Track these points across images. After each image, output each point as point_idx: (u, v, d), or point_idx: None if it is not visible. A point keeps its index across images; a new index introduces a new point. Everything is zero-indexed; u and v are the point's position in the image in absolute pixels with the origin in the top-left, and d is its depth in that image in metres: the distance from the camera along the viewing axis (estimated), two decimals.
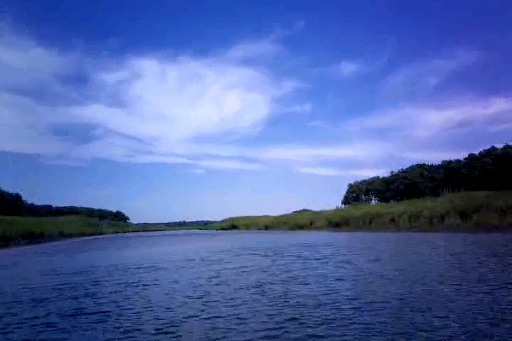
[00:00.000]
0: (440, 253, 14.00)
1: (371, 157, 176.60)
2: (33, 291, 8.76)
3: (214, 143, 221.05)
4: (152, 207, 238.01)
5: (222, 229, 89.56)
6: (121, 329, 5.38)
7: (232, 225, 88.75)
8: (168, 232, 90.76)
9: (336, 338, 4.72)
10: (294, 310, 6.13)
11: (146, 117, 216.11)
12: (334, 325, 5.28)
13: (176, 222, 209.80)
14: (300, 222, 59.34)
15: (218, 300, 7.08)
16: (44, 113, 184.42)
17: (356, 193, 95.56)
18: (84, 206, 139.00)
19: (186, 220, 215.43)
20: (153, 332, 5.25)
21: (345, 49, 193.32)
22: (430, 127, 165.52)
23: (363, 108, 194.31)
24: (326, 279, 8.90)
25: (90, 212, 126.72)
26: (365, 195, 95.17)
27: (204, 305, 6.77)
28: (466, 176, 70.20)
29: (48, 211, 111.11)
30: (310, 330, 5.07)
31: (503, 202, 31.98)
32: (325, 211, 62.54)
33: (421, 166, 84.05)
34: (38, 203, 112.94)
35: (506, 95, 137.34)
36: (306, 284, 8.39)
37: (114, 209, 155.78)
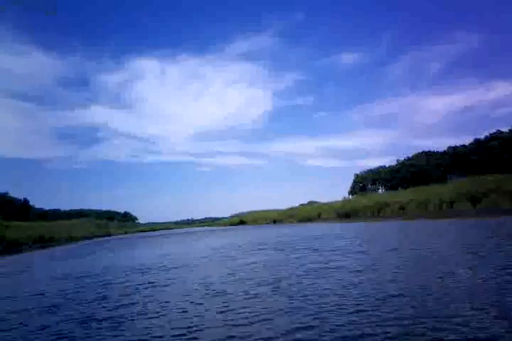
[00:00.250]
0: (454, 240, 13.77)
1: (376, 146, 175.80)
2: (45, 297, 8.67)
3: (218, 140, 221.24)
4: (160, 206, 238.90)
5: (231, 224, 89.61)
6: (135, 338, 5.12)
7: (240, 221, 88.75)
8: (176, 231, 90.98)
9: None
10: (317, 307, 5.84)
11: (149, 117, 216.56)
12: (369, 321, 5.02)
13: (184, 220, 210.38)
14: (308, 214, 59.21)
15: (238, 300, 6.72)
16: (48, 117, 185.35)
17: (363, 183, 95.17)
18: (92, 208, 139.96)
19: (194, 218, 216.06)
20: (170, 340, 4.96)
21: (344, 39, 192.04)
22: (434, 113, 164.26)
23: (365, 97, 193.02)
24: (346, 272, 8.63)
25: (99, 214, 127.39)
26: (371, 185, 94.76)
27: (223, 306, 6.39)
28: (473, 161, 69.52)
29: (57, 215, 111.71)
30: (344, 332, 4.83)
31: None
32: (332, 202, 62.29)
33: (427, 153, 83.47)
34: (47, 207, 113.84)
35: (509, 78, 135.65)
36: (326, 278, 8.09)
37: (122, 210, 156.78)
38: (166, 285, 8.88)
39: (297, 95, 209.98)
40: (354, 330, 4.65)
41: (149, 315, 6.20)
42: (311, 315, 5.44)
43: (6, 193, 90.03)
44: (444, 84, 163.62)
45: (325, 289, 7.01)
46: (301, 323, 5.09)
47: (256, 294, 7.07)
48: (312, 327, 4.92)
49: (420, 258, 9.94)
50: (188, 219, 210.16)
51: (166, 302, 7.07)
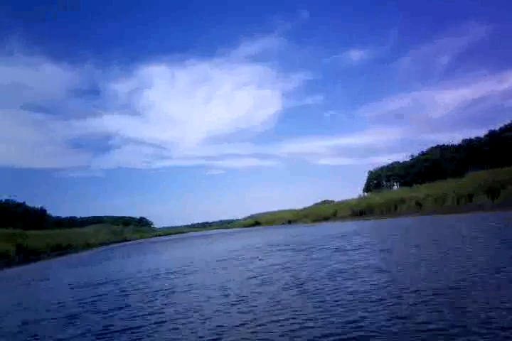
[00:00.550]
0: (477, 234, 13.32)
1: (388, 142, 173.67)
2: (61, 307, 8.53)
3: (229, 143, 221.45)
4: (174, 210, 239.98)
5: (246, 226, 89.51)
6: None
7: (255, 222, 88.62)
8: (191, 234, 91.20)
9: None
10: (350, 312, 5.46)
11: (159, 123, 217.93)
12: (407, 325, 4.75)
13: (198, 224, 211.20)
14: (323, 213, 58.73)
15: (264, 306, 6.35)
16: (60, 127, 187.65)
17: (377, 180, 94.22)
18: (107, 215, 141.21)
19: (209, 221, 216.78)
20: None
21: (351, 37, 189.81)
22: (445, 107, 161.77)
23: (375, 94, 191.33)
24: (375, 272, 8.26)
25: (114, 220, 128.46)
26: (386, 181, 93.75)
27: (248, 313, 6.06)
28: (489, 153, 68.21)
29: (73, 222, 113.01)
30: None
31: None
32: (347, 200, 61.73)
33: (440, 147, 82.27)
34: (63, 215, 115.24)
35: None
36: (354, 279, 7.71)
37: (137, 216, 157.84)
38: (185, 291, 8.64)
39: (306, 95, 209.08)
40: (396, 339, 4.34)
41: (170, 325, 5.90)
42: (346, 322, 5.04)
43: (23, 203, 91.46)
44: (454, 77, 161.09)
45: (355, 291, 6.63)
46: (336, 331, 4.74)
47: (282, 299, 6.73)
48: (349, 335, 4.59)
49: (448, 254, 9.54)
50: (203, 223, 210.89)
51: (187, 310, 6.78)
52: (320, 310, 5.74)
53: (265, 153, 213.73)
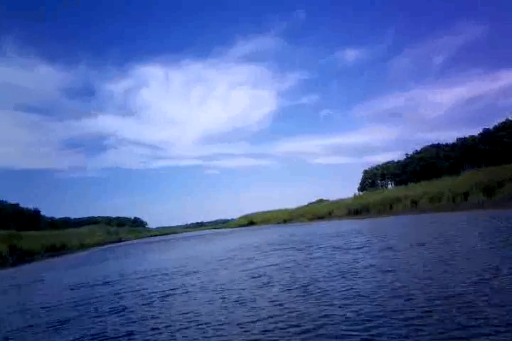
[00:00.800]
0: (480, 232, 13.16)
1: (384, 141, 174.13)
2: (55, 310, 8.26)
3: (225, 143, 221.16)
4: (169, 210, 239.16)
5: (240, 226, 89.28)
6: None
7: (250, 222, 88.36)
8: (187, 234, 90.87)
9: None
10: (357, 316, 5.22)
11: (155, 123, 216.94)
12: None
13: (193, 224, 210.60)
14: (319, 212, 58.69)
15: (268, 308, 6.08)
16: (55, 128, 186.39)
17: (372, 179, 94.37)
18: (102, 215, 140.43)
19: (204, 220, 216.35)
20: None
21: (347, 36, 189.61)
22: (440, 106, 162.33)
23: (370, 93, 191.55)
24: (379, 271, 8.00)
25: (109, 221, 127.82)
26: (381, 180, 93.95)
27: (251, 315, 5.78)
28: (483, 151, 68.52)
29: (68, 223, 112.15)
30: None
31: None
32: (342, 200, 61.72)
33: (435, 146, 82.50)
34: (57, 216, 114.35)
35: None
36: (359, 279, 7.46)
37: (131, 216, 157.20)
38: (183, 294, 8.38)
39: (302, 94, 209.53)
40: None
41: (167, 331, 5.61)
42: (356, 327, 4.76)
43: (17, 204, 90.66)
44: (449, 76, 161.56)
45: (361, 293, 6.37)
46: (343, 335, 4.53)
47: (286, 301, 6.48)
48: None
49: (451, 253, 9.28)
50: (198, 223, 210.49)
51: (184, 314, 6.47)
52: (327, 314, 5.47)
53: (261, 153, 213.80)
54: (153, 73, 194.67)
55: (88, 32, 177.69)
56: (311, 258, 11.48)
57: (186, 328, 5.63)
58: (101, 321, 6.69)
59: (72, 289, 11.34)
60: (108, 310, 7.50)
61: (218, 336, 5.08)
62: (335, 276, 8.06)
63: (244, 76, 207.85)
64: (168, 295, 8.29)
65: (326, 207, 60.18)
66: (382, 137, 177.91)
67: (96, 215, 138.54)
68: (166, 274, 11.96)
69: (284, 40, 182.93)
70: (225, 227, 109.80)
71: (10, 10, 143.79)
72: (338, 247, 13.58)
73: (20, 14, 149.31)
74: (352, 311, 5.42)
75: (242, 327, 5.34)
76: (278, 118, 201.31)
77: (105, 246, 55.35)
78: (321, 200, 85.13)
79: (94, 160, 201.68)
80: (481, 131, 73.90)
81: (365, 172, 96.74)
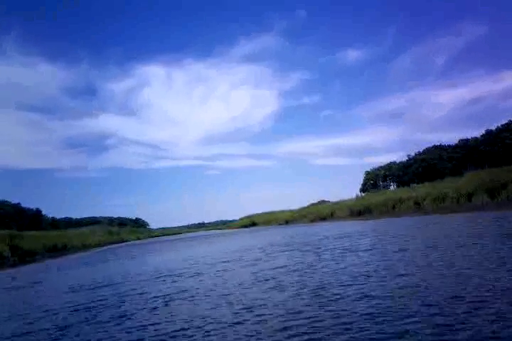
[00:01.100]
0: (488, 234, 12.92)
1: (385, 142, 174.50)
2: (55, 315, 7.93)
3: (226, 143, 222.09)
4: (170, 210, 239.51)
5: (242, 227, 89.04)
6: None
7: (251, 222, 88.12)
8: (188, 235, 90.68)
9: None
10: (380, 326, 4.80)
11: (157, 123, 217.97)
12: None
13: (195, 224, 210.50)
14: (320, 213, 58.40)
15: (281, 316, 5.65)
16: (56, 127, 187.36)
17: (374, 180, 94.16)
18: (103, 215, 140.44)
19: (205, 221, 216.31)
20: None
21: (348, 36, 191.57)
22: (442, 107, 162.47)
23: (372, 94, 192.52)
24: (395, 275, 7.55)
25: (110, 221, 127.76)
26: (383, 181, 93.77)
27: (261, 324, 5.41)
28: (486, 153, 68.28)
29: (69, 223, 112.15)
30: None
31: None
32: (344, 200, 61.37)
33: (438, 147, 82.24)
34: (59, 216, 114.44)
35: None
36: (374, 283, 7.05)
37: (133, 216, 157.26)
38: (188, 298, 8.04)
39: (303, 94, 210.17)
40: None
41: (175, 339, 5.34)
42: (377, 336, 4.44)
43: (18, 204, 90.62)
44: (451, 77, 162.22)
45: (378, 299, 5.90)
46: None
47: (298, 307, 6.05)
48: None
49: (466, 256, 8.89)
50: (199, 223, 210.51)
51: (191, 320, 6.16)
52: (345, 321, 5.10)
53: (262, 153, 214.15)
54: (154, 73, 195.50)
55: (90, 31, 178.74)
56: (319, 261, 11.16)
57: (191, 336, 5.37)
58: (102, 328, 6.40)
59: (73, 291, 11.13)
60: (109, 315, 7.23)
61: None
62: (348, 280, 7.67)
63: (245, 76, 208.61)
64: (171, 300, 8.01)
65: (327, 208, 59.88)
66: (384, 138, 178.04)
67: (97, 215, 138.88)
68: (170, 276, 11.71)
69: (285, 39, 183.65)
70: (226, 228, 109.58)
71: (11, 9, 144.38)
72: (345, 249, 13.28)
73: (21, 13, 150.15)
74: (369, 319, 5.11)
75: (251, 335, 5.08)
76: (279, 118, 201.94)
77: (107, 247, 55.19)
78: (322, 201, 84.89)
79: (96, 160, 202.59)
80: (483, 132, 73.76)
81: (367, 173, 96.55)
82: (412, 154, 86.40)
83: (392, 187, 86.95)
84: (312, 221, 57.10)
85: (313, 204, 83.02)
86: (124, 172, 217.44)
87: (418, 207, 41.29)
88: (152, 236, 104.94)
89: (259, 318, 5.78)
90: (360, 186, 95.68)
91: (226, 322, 5.78)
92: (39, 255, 39.45)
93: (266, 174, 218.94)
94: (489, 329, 4.25)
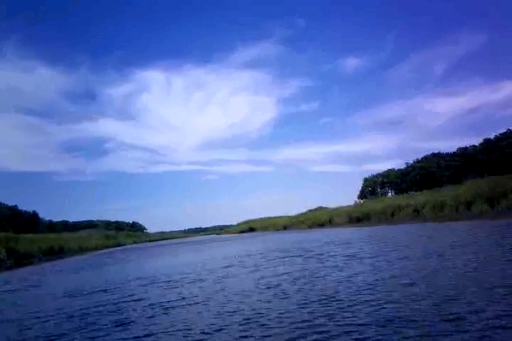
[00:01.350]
0: (491, 242, 12.77)
1: (383, 150, 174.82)
2: (49, 321, 7.65)
3: (224, 148, 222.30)
4: (168, 215, 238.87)
5: (240, 232, 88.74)
6: None
7: (249, 228, 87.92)
8: (186, 239, 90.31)
9: None
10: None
11: (155, 128, 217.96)
12: None
13: (192, 229, 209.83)
14: (319, 219, 58.26)
15: (289, 327, 5.28)
16: (55, 131, 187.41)
17: (372, 187, 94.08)
18: (100, 219, 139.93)
19: (203, 226, 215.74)
20: None
21: (348, 44, 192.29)
22: (440, 115, 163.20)
23: (371, 101, 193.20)
24: (402, 284, 7.27)
25: (107, 225, 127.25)
26: (381, 188, 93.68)
27: (267, 336, 5.07)
28: (484, 161, 68.37)
29: (66, 226, 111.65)
30: None
31: None
32: (342, 207, 61.32)
33: (436, 155, 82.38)
34: (56, 219, 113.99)
35: None
36: (384, 292, 6.79)
37: (130, 221, 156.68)
38: (188, 305, 7.73)
39: (302, 101, 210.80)
40: None
41: None
42: None
43: (15, 206, 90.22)
44: (449, 86, 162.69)
45: (392, 311, 5.53)
46: None
47: (306, 318, 5.67)
48: None
49: (473, 264, 8.68)
50: (197, 228, 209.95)
51: (190, 329, 5.87)
52: (356, 335, 4.79)
53: (260, 159, 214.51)
54: (153, 78, 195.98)
55: (89, 36, 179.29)
56: (323, 268, 10.89)
57: None
58: (97, 337, 6.13)
59: (68, 296, 10.91)
60: (106, 323, 6.97)
61: None
62: (356, 289, 7.37)
63: (244, 82, 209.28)
64: (171, 308, 7.75)
65: (326, 214, 59.74)
66: (382, 145, 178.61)
67: (94, 219, 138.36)
68: (169, 282, 11.48)
69: (285, 46, 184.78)
70: (224, 233, 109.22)
71: (10, 13, 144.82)
72: (348, 255, 13.03)
73: (20, 17, 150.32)
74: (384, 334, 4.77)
75: None
76: (278, 125, 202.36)
77: (104, 251, 54.86)
78: (320, 208, 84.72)
79: (94, 164, 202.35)
80: (481, 140, 73.86)
81: (365, 180, 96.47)
82: (411, 162, 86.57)
83: (390, 195, 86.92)
84: (310, 227, 56.93)
85: (311, 211, 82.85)
86: (122, 176, 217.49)
87: (417, 214, 41.22)
88: (150, 241, 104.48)
89: (264, 329, 5.45)
90: (358, 193, 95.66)
91: (228, 334, 5.48)
92: (35, 258, 39.12)
93: (264, 180, 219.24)
94: None
